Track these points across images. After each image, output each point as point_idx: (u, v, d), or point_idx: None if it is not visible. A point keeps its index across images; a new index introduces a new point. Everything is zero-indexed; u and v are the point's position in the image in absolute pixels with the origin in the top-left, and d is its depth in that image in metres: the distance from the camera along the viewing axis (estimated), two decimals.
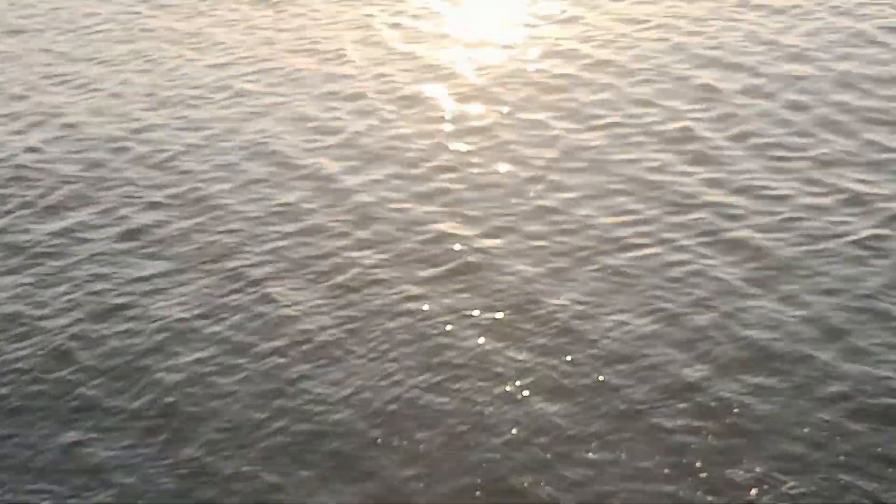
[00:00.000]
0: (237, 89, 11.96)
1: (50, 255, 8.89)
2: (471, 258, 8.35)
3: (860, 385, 6.71)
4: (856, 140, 9.73)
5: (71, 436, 6.83)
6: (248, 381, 7.19)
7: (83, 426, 6.91)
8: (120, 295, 8.25)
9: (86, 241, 9.10)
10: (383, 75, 12.03)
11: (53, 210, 9.64)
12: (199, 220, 9.27)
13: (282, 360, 7.37)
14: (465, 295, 7.92)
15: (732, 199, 8.93)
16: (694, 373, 6.95)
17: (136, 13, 14.83)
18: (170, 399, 7.08)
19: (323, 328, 7.68)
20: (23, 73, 12.98)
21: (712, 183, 9.22)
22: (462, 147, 10.21)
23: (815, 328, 7.28)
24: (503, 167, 9.77)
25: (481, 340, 7.42)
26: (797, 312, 7.45)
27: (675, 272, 8.02)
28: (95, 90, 12.28)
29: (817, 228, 8.43)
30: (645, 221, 8.72)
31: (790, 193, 8.95)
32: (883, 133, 9.82)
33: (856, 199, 8.77)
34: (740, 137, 9.98)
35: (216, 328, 7.78)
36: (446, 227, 8.85)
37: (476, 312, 7.72)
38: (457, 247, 8.54)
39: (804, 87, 10.91)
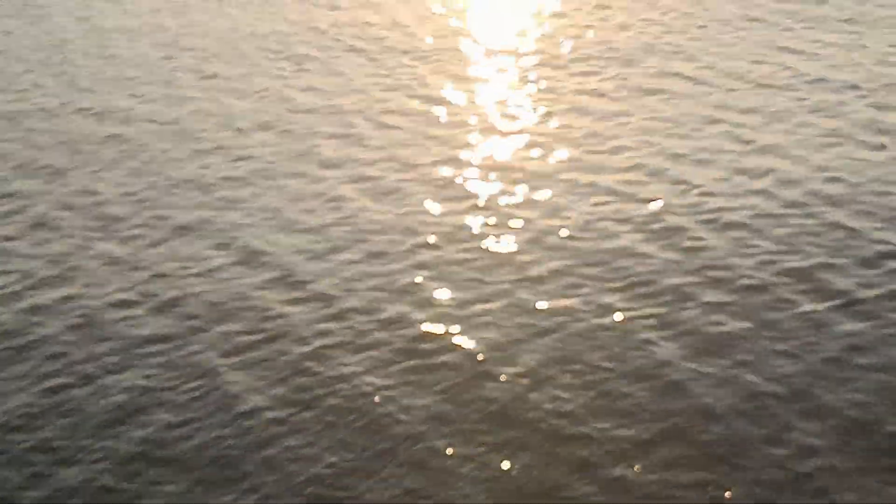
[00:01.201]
0: (209, 182, 11.97)
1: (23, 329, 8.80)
2: (422, 338, 8.28)
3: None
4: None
5: None
6: (194, 456, 7.00)
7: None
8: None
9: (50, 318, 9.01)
10: (363, 175, 12.07)
11: (27, 292, 9.55)
12: (153, 302, 9.19)
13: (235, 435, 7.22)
14: (413, 374, 7.83)
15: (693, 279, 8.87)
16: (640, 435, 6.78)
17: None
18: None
19: (272, 407, 7.54)
20: None
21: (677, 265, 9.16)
22: (431, 238, 10.16)
23: (752, 402, 7.18)
24: (472, 253, 9.73)
25: (432, 411, 7.30)
26: (747, 378, 7.35)
27: (625, 345, 7.97)
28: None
29: (771, 306, 8.42)
30: (605, 305, 8.64)
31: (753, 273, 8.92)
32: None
33: (810, 278, 8.78)
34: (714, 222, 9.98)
35: (163, 408, 7.62)
36: (406, 308, 8.76)
37: (423, 392, 7.58)
38: (410, 329, 8.46)
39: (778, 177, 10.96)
